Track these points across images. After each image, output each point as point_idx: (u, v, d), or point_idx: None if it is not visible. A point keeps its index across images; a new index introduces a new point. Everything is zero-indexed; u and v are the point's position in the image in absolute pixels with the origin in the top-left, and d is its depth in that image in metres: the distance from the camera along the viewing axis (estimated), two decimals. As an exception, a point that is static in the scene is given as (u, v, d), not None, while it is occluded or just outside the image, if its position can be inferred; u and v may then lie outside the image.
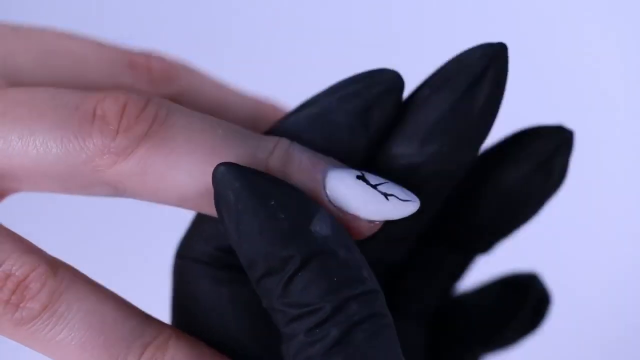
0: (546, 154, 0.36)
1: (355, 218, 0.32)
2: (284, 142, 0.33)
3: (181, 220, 0.36)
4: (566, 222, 0.67)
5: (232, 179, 0.31)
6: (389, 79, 0.33)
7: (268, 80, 0.55)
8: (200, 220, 0.35)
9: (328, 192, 0.32)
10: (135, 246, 0.57)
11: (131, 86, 0.37)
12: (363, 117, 0.33)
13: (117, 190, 0.33)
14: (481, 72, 0.33)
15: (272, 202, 0.31)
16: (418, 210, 0.33)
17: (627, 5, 0.68)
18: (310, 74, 0.59)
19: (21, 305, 0.32)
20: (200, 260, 0.34)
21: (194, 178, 0.32)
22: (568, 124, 0.37)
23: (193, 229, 0.35)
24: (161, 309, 0.35)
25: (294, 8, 0.62)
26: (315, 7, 0.62)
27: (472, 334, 0.41)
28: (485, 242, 0.38)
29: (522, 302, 0.41)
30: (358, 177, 0.32)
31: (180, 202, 0.33)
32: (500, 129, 0.36)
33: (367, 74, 0.34)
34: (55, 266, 0.32)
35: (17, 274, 0.32)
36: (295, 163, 0.32)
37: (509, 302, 0.41)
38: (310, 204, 0.31)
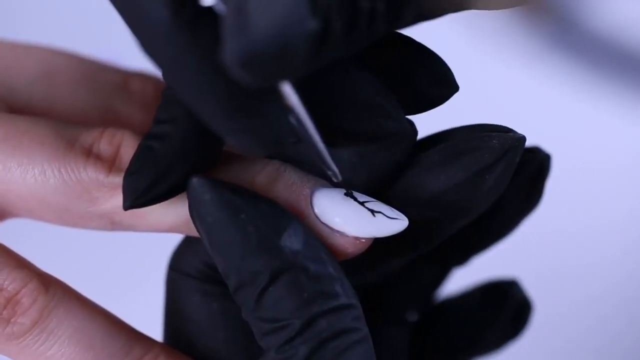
0: (524, 177, 0.36)
1: (342, 235, 0.33)
2: (276, 162, 0.33)
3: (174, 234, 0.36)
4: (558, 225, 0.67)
5: (203, 192, 0.31)
6: (397, 131, 0.33)
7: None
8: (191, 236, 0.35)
9: (315, 208, 0.33)
10: (128, 260, 0.57)
11: (123, 110, 0.38)
12: (369, 160, 0.33)
13: (112, 223, 0.34)
14: (494, 161, 0.33)
15: (243, 216, 0.31)
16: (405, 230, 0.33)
17: None
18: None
19: (12, 320, 0.32)
20: (191, 274, 0.35)
21: (184, 208, 0.32)
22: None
23: (185, 243, 0.36)
24: (154, 322, 0.36)
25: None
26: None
27: (454, 340, 0.41)
28: (461, 257, 0.39)
29: (501, 308, 0.41)
30: (346, 194, 0.33)
31: (174, 229, 0.34)
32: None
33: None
34: (47, 282, 0.33)
35: (8, 289, 0.32)
36: (285, 179, 0.33)
37: (489, 308, 0.41)
38: (282, 218, 0.32)
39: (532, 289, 0.42)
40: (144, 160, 0.32)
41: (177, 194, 0.32)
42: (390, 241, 0.33)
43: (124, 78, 0.39)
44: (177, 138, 0.32)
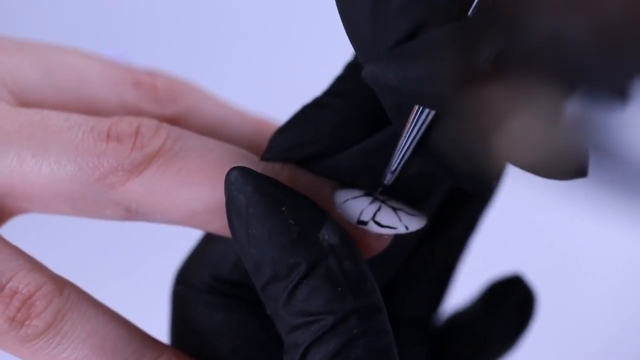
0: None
1: (364, 232, 0.33)
2: (291, 165, 0.34)
3: (185, 241, 0.36)
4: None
5: (244, 183, 0.31)
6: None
7: (269, 100, 0.55)
8: (200, 249, 0.36)
9: (337, 207, 0.33)
10: (140, 265, 0.57)
11: (136, 105, 0.38)
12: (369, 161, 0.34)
13: (128, 211, 0.34)
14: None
15: (283, 208, 0.31)
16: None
17: None
18: (311, 91, 0.59)
19: (26, 322, 0.32)
20: (198, 287, 0.35)
21: (203, 194, 0.33)
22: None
23: (193, 257, 0.36)
24: (163, 328, 0.36)
25: (297, 27, 0.63)
26: (319, 26, 0.62)
27: (466, 348, 0.42)
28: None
29: (506, 301, 0.41)
30: (365, 192, 0.33)
31: (189, 220, 0.33)
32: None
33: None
34: (61, 285, 0.33)
35: (23, 291, 0.32)
36: (303, 179, 0.33)
37: (495, 306, 0.41)
38: (319, 212, 0.32)
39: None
40: (298, 122, 0.33)
41: (315, 162, 0.33)
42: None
43: (134, 75, 0.39)
44: (337, 111, 0.33)
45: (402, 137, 0.31)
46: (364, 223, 0.32)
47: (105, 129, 0.33)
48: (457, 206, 0.38)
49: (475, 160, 0.30)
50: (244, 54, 0.62)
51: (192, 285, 0.35)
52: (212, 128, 0.39)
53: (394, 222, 0.32)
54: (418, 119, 0.30)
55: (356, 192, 0.33)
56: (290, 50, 0.63)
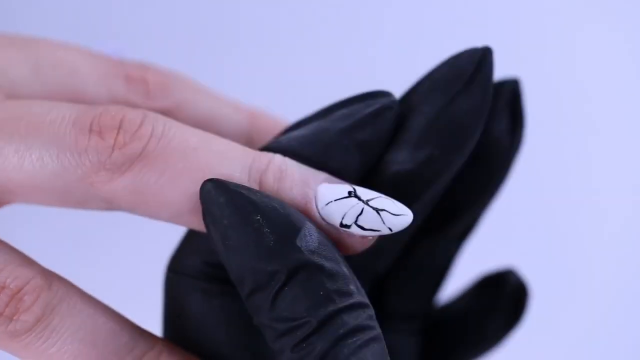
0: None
1: (348, 234, 0.33)
2: (277, 159, 0.33)
3: (176, 231, 0.36)
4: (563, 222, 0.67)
5: (218, 194, 0.31)
6: (382, 100, 0.34)
7: (261, 91, 0.55)
8: (191, 235, 0.35)
9: (320, 209, 0.33)
10: (130, 256, 0.57)
11: (126, 99, 0.38)
12: (356, 137, 0.33)
13: (112, 205, 0.33)
14: (468, 77, 0.33)
15: (258, 217, 0.31)
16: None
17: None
18: (305, 84, 0.59)
19: (15, 317, 0.32)
20: (191, 274, 0.35)
21: (187, 196, 0.32)
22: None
23: (184, 244, 0.35)
24: (155, 319, 0.36)
25: (287, 18, 0.62)
26: (309, 17, 0.62)
27: (458, 339, 0.41)
28: (460, 224, 0.39)
29: (498, 296, 0.41)
30: (349, 193, 0.33)
31: (174, 219, 0.33)
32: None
33: (360, 95, 0.34)
34: (50, 279, 0.33)
35: (11, 286, 0.32)
36: (288, 180, 0.33)
37: (487, 299, 0.41)
38: (296, 219, 0.32)
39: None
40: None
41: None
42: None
43: (125, 69, 0.38)
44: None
45: None
46: (347, 226, 0.32)
47: (88, 123, 0.32)
48: (459, 202, 0.38)
49: None
50: (237, 46, 0.62)
51: (184, 272, 0.35)
52: (204, 121, 0.39)
53: (377, 225, 0.32)
54: None
55: (340, 190, 0.33)
56: (283, 42, 0.63)
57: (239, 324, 0.34)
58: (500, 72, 0.35)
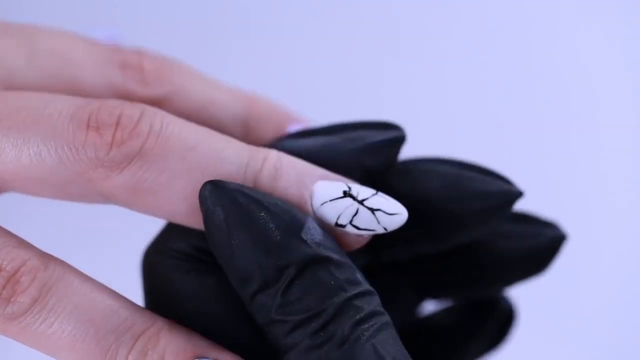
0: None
1: (343, 232, 0.33)
2: (272, 156, 0.33)
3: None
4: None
5: (220, 196, 0.32)
6: (394, 132, 0.34)
7: (259, 77, 0.55)
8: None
9: (315, 210, 0.33)
10: (126, 238, 0.56)
11: (122, 86, 0.38)
12: (363, 160, 0.34)
13: (109, 200, 0.33)
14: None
15: (262, 214, 0.31)
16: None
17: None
18: (303, 71, 0.59)
19: (12, 299, 0.32)
20: (176, 256, 0.34)
21: (185, 196, 0.33)
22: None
23: (168, 226, 0.35)
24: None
25: (285, 4, 0.63)
26: (307, 4, 0.63)
27: (438, 354, 0.42)
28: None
29: (488, 318, 0.41)
30: (344, 193, 0.33)
31: (171, 217, 0.33)
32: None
33: (373, 122, 0.35)
34: (46, 260, 0.32)
35: (7, 268, 0.32)
36: (283, 180, 0.33)
37: (476, 320, 0.42)
38: (298, 213, 0.32)
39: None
40: None
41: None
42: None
43: (121, 55, 0.38)
44: None
45: None
46: (342, 226, 0.33)
47: (85, 117, 0.32)
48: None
49: None
50: (233, 30, 0.62)
51: (174, 256, 0.34)
52: (201, 107, 0.39)
53: (372, 225, 0.33)
54: None
55: (335, 190, 0.33)
56: (280, 30, 0.63)
57: (235, 299, 0.34)
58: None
